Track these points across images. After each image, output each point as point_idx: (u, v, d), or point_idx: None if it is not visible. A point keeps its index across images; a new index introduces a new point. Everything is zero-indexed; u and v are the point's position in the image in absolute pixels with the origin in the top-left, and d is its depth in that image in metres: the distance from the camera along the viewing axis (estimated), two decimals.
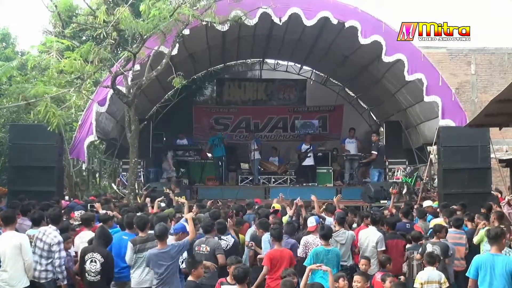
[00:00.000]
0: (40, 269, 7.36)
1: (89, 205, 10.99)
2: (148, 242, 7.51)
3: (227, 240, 8.45)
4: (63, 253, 7.48)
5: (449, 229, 9.16)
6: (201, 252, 7.89)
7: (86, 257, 7.30)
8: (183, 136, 18.59)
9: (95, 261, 7.23)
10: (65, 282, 7.47)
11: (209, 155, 18.55)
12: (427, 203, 12.10)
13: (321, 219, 9.06)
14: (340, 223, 8.84)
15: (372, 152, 15.78)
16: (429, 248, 8.36)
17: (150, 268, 7.27)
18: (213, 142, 17.93)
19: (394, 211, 11.55)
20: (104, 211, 9.70)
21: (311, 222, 8.63)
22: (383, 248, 8.78)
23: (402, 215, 10.42)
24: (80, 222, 9.12)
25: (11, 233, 7.17)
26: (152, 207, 10.73)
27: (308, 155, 17.91)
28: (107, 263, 7.26)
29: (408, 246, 9.04)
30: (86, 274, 7.28)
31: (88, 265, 7.25)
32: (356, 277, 6.86)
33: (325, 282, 6.92)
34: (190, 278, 6.81)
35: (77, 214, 9.89)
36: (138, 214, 8.80)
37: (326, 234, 7.92)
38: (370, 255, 8.60)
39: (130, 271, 7.64)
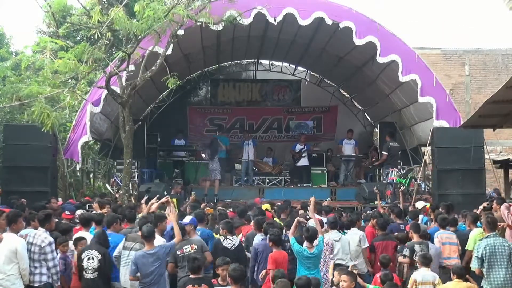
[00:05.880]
0: (34, 272, 7.29)
1: (87, 205, 10.92)
2: (137, 243, 7.42)
3: (233, 240, 8.34)
4: (56, 254, 7.40)
5: (440, 230, 9.21)
6: (185, 253, 7.60)
7: (83, 255, 7.32)
8: (182, 136, 18.53)
9: (93, 258, 7.27)
10: (59, 283, 7.40)
11: (203, 155, 18.41)
12: (419, 204, 12.13)
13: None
14: (332, 227, 8.84)
15: (383, 152, 15.77)
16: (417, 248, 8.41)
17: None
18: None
19: (382, 211, 11.57)
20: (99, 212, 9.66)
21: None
22: (367, 245, 8.89)
23: (396, 216, 10.44)
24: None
25: (10, 235, 7.10)
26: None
27: (303, 155, 17.86)
28: (105, 260, 7.26)
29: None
30: (84, 272, 7.30)
31: (85, 263, 7.29)
32: (343, 276, 6.67)
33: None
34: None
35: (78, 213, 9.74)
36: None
37: (311, 236, 7.77)
38: (356, 256, 8.73)
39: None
